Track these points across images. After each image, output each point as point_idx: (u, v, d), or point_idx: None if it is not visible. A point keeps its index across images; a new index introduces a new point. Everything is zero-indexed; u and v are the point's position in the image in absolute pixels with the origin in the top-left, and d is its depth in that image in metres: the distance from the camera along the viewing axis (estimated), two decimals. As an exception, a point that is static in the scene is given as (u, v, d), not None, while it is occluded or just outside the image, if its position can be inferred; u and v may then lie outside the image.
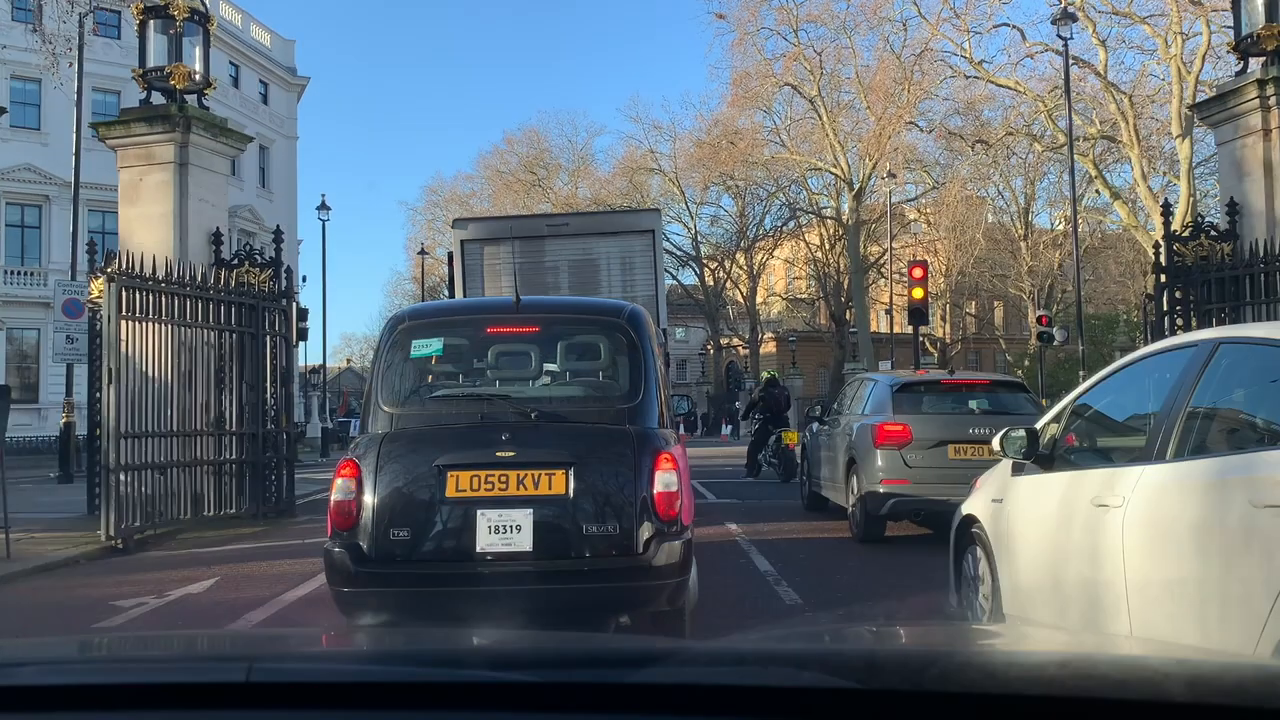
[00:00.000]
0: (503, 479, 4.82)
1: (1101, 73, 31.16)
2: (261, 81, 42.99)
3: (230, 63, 38.74)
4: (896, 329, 40.43)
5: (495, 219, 22.87)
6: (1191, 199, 29.40)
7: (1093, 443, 4.74)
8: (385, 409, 5.28)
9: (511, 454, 4.86)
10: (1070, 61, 25.29)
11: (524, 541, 4.74)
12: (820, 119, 40.05)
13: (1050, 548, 4.36)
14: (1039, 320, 28.42)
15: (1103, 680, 1.36)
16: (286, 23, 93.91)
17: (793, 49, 38.97)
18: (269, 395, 12.44)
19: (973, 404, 10.13)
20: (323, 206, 35.84)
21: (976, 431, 9.29)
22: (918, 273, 20.27)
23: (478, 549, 4.75)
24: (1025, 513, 4.65)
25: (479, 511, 4.77)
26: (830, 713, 1.32)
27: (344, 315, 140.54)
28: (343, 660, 1.87)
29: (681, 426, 47.33)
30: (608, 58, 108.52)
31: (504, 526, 4.76)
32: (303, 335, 14.81)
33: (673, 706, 1.35)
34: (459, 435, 5.09)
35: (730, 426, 47.82)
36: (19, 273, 33.61)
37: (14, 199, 34.12)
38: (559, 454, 4.88)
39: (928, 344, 44.94)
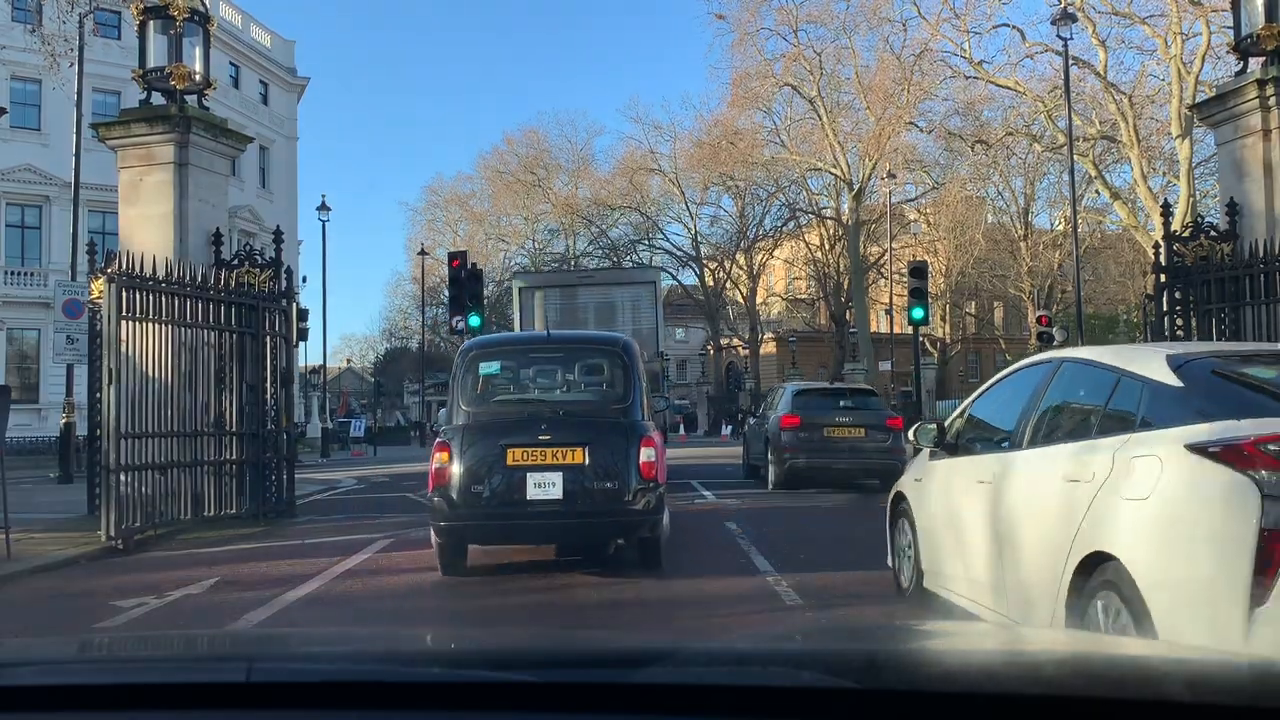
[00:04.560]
0: (542, 454, 7.26)
1: (1101, 73, 31.15)
2: (261, 82, 42.99)
3: (230, 63, 38.74)
4: (897, 329, 40.43)
5: (543, 273, 33.74)
6: (1191, 199, 29.37)
7: (981, 434, 5.87)
8: (464, 408, 7.74)
9: (548, 437, 7.30)
10: (1070, 62, 25.26)
11: (556, 493, 7.19)
12: (820, 119, 40.05)
13: (951, 514, 5.63)
14: (1039, 320, 28.48)
15: (1101, 680, 1.36)
16: (286, 23, 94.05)
17: (792, 49, 39.00)
18: (269, 395, 12.42)
19: (841, 402, 15.38)
20: (323, 207, 35.88)
21: (840, 419, 14.69)
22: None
23: (527, 498, 7.20)
24: (935, 488, 5.98)
25: (527, 474, 7.21)
26: (830, 713, 1.32)
27: (344, 315, 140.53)
28: (343, 660, 1.87)
29: (681, 427, 47.60)
30: (608, 58, 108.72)
31: (544, 484, 7.20)
32: (303, 335, 14.86)
33: (673, 706, 1.34)
34: (514, 425, 7.55)
35: (730, 426, 47.83)
36: (19, 273, 33.62)
37: (14, 199, 34.14)
38: (578, 437, 7.32)
39: (928, 344, 44.96)
